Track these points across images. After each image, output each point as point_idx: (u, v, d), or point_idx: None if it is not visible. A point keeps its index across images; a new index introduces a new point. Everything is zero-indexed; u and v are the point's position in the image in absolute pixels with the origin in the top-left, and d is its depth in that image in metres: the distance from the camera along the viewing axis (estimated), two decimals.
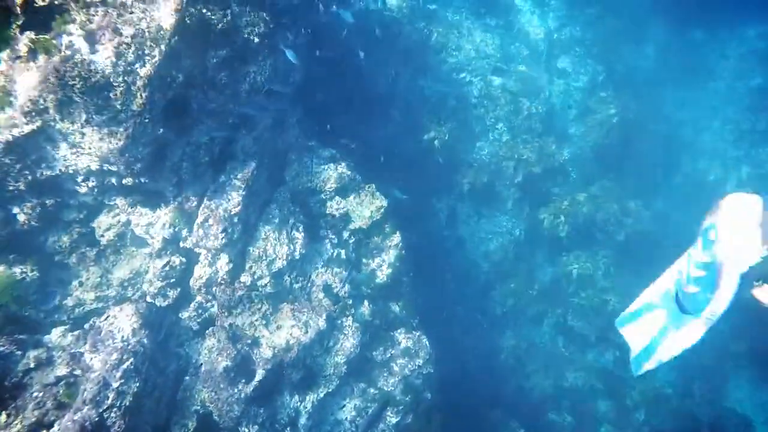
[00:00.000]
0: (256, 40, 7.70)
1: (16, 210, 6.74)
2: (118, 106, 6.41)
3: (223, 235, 7.52)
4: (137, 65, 6.50)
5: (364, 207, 9.03)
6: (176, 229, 7.44)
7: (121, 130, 6.51)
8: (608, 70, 15.06)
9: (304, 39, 9.51)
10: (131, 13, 6.53)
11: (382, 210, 9.14)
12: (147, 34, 6.60)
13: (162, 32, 6.66)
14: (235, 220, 7.66)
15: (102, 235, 7.29)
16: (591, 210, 12.85)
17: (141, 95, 6.48)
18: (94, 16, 6.35)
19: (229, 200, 7.64)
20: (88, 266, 7.25)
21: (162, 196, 7.53)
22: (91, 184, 6.89)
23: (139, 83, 6.49)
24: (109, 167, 6.74)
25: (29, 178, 6.59)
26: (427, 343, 8.98)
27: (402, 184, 10.55)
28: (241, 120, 7.97)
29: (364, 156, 10.08)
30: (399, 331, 9.00)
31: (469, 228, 13.51)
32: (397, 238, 9.21)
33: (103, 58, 6.33)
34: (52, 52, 6.25)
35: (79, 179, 6.83)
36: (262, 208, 8.35)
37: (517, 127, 13.51)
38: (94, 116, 6.42)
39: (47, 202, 6.85)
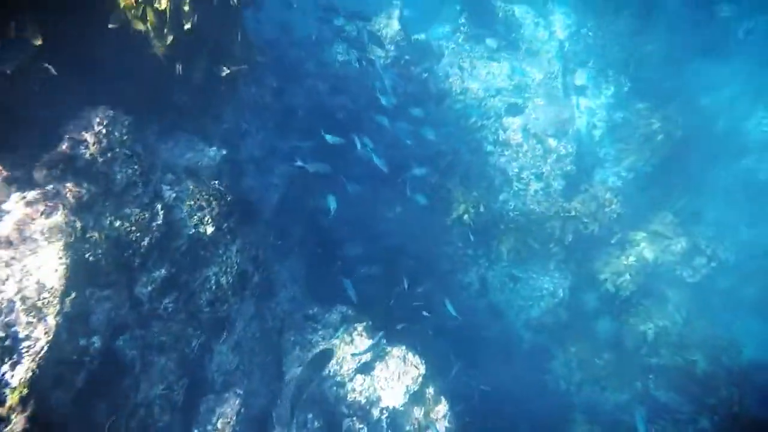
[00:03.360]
0: (210, 229, 4.74)
1: None
2: None
3: None
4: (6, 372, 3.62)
5: (397, 380, 6.23)
6: None
7: None
8: (634, 79, 11.77)
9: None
10: None
11: (420, 379, 6.35)
12: (19, 305, 3.70)
13: (46, 295, 3.77)
14: None
15: None
16: (656, 254, 9.78)
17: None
18: None
19: None
20: None
21: None
22: None
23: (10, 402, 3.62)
24: None
25: None
26: None
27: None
28: (211, 329, 5.15)
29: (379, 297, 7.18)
30: None
31: (504, 296, 10.61)
32: (443, 407, 6.44)
33: None
34: None
35: None
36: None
37: (548, 174, 10.40)
38: None
39: None
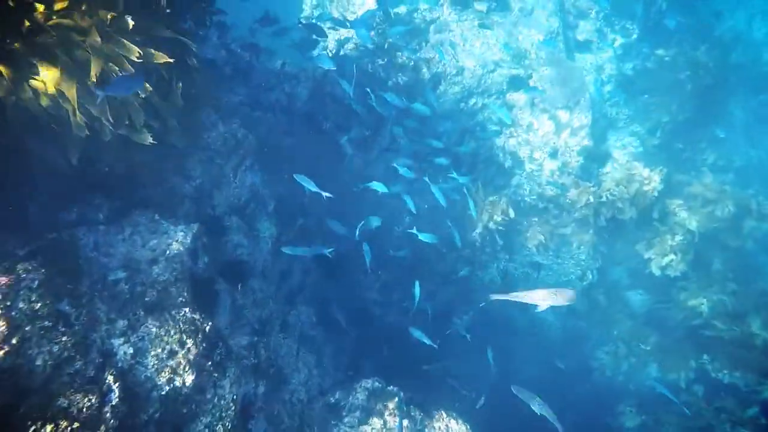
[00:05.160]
0: (189, 378, 3.42)
1: None
2: None
3: None
4: None
5: None
6: None
7: None
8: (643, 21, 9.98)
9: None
10: None
11: None
12: None
13: None
14: None
15: None
16: (702, 223, 8.32)
17: None
18: None
19: None
20: None
21: None
22: None
23: None
24: None
25: None
26: None
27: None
28: None
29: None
30: None
31: (529, 285, 9.34)
32: None
33: None
34: None
35: None
36: None
37: (563, 149, 8.88)
38: None
39: None
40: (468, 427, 5.21)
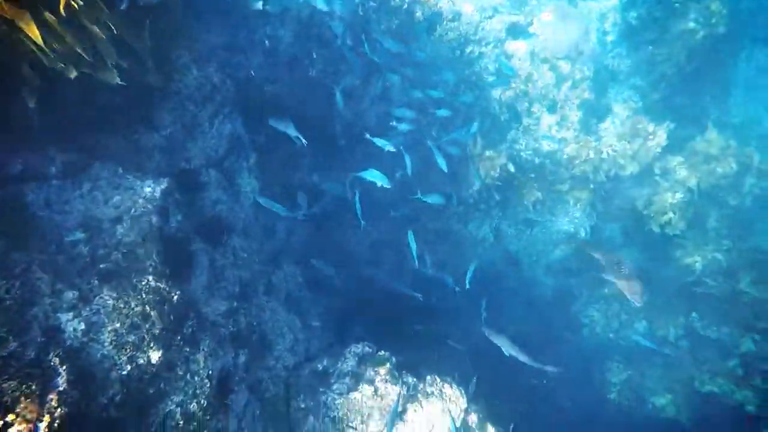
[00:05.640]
0: (156, 355, 2.95)
1: None
2: None
3: None
4: None
5: (437, 423, 4.82)
6: None
7: None
8: None
9: None
10: None
11: (462, 414, 4.93)
12: None
13: None
14: None
15: None
16: (703, 180, 7.87)
17: None
18: None
19: None
20: None
21: None
22: None
23: None
24: None
25: None
26: None
27: None
28: None
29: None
30: None
31: (521, 243, 8.98)
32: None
33: None
34: None
35: None
36: None
37: (562, 102, 8.28)
38: None
39: None
40: (462, 392, 4.92)
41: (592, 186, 8.00)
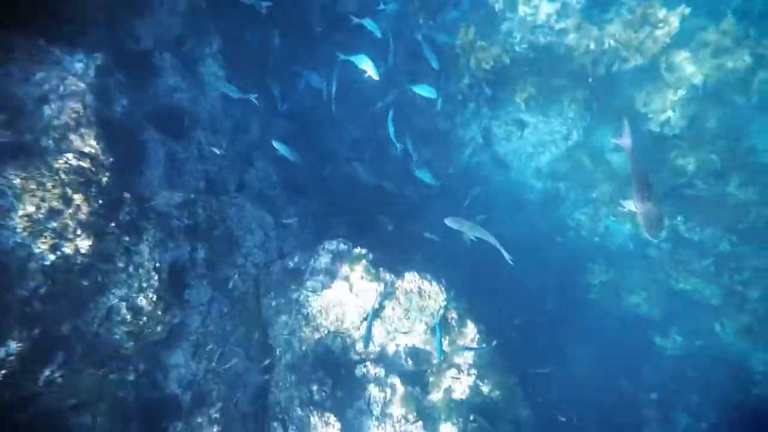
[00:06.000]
0: (85, 244, 2.53)
1: None
2: None
3: None
4: None
5: (415, 318, 4.60)
6: None
7: None
8: None
9: None
10: None
11: (442, 311, 4.72)
12: None
13: None
14: None
15: None
16: (710, 76, 7.15)
17: None
18: None
19: None
20: None
21: None
22: None
23: None
24: None
25: None
26: None
27: None
28: (148, 358, 3.27)
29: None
30: None
31: (511, 145, 8.46)
32: (471, 330, 4.95)
33: None
34: None
35: None
36: None
37: None
38: None
39: None
40: (443, 287, 4.70)
41: (590, 80, 7.32)
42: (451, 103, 7.46)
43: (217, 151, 4.73)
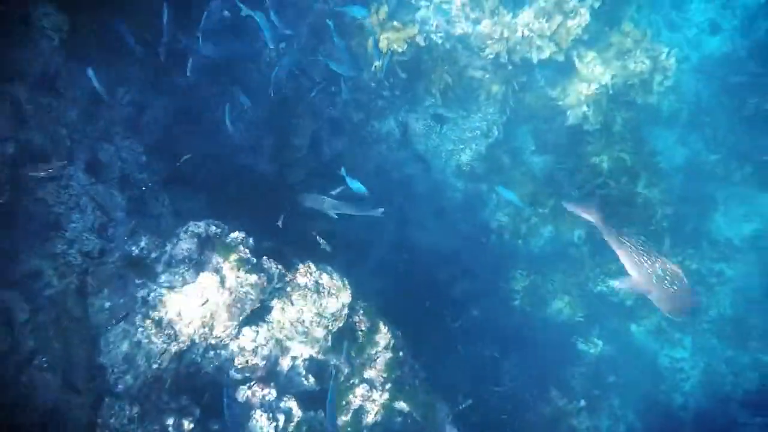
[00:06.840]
0: None
1: None
2: None
3: None
4: None
5: (312, 321, 3.52)
6: None
7: None
8: None
9: None
10: None
11: (346, 310, 3.67)
12: None
13: None
14: None
15: None
16: (615, 76, 6.92)
17: None
18: None
19: None
20: None
21: None
22: None
23: None
24: None
25: None
26: None
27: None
28: None
29: None
30: None
31: (431, 142, 7.81)
32: (383, 336, 3.94)
33: None
34: None
35: None
36: None
37: None
38: None
39: None
40: (346, 282, 3.68)
41: (506, 72, 6.87)
42: (364, 91, 6.66)
43: None
